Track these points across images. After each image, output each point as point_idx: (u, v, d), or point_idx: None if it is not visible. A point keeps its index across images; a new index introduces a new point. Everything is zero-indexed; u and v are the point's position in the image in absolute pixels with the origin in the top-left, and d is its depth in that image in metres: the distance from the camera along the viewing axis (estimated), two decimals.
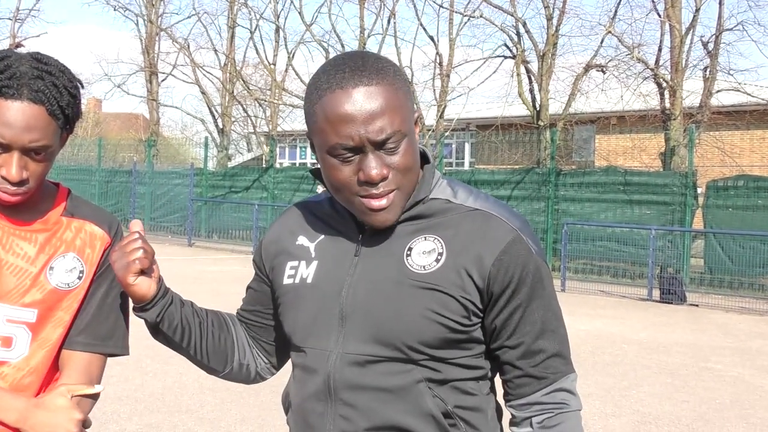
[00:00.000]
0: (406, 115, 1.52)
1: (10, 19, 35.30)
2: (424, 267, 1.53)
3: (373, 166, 1.49)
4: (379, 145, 1.48)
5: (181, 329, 1.70)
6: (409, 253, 1.56)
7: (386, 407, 1.53)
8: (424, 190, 1.59)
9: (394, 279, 1.54)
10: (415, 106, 1.60)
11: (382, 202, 1.52)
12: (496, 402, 1.65)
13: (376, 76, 1.49)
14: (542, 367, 1.56)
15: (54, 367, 1.81)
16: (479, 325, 1.56)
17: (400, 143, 1.50)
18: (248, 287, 1.85)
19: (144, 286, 1.62)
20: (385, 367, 1.53)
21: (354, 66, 1.50)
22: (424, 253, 1.55)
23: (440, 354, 1.53)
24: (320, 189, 12.83)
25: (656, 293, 14.06)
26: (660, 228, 15.31)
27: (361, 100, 1.47)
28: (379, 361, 1.53)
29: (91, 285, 1.82)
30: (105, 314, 1.83)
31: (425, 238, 1.56)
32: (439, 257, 1.54)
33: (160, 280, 1.67)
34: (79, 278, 1.80)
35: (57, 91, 1.68)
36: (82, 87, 1.79)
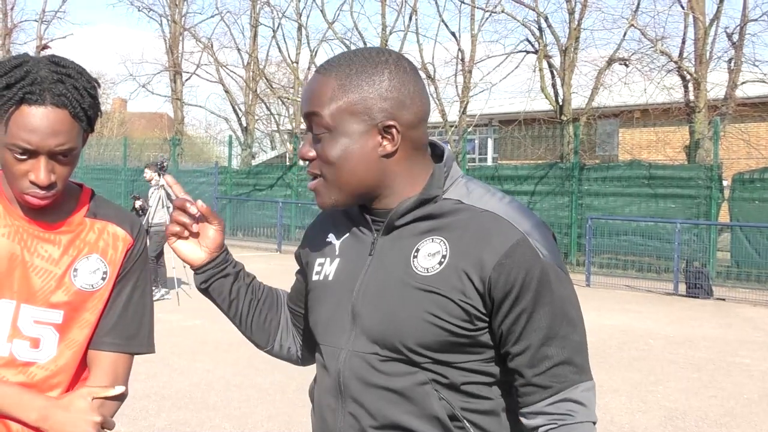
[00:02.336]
0: (341, 111, 1.55)
1: (36, 21, 35.68)
2: (427, 269, 1.53)
3: (304, 144, 1.62)
4: (308, 128, 1.60)
5: (228, 301, 1.82)
6: (416, 254, 1.56)
7: (392, 407, 1.54)
8: (435, 188, 1.58)
9: (400, 280, 1.55)
10: (392, 112, 1.55)
11: (312, 184, 1.62)
12: (512, 405, 1.60)
13: (330, 68, 1.58)
14: (548, 375, 1.50)
15: (81, 367, 1.85)
16: (486, 330, 1.53)
17: (323, 134, 1.56)
18: (296, 275, 1.89)
19: (184, 251, 1.78)
20: (391, 367, 1.54)
21: (334, 57, 1.63)
22: (429, 256, 1.54)
23: (443, 357, 1.52)
24: None
25: (682, 287, 13.95)
26: (685, 222, 15.18)
27: (309, 84, 1.61)
28: (385, 361, 1.54)
29: (115, 285, 1.85)
30: (130, 314, 1.87)
31: (432, 239, 1.55)
32: (442, 260, 1.52)
33: (219, 251, 1.80)
34: (103, 279, 1.83)
35: (78, 94, 1.70)
36: (99, 86, 1.81)
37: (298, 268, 1.87)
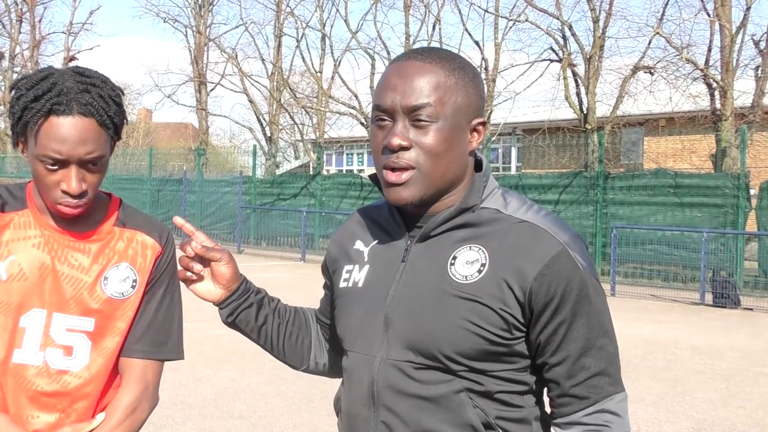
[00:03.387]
0: (450, 102, 1.53)
1: (64, 32, 36.16)
2: (465, 277, 1.53)
3: (396, 132, 1.52)
4: (408, 112, 1.51)
5: (257, 330, 1.82)
6: (453, 262, 1.55)
7: (426, 416, 1.53)
8: (474, 197, 1.58)
9: (436, 287, 1.54)
10: (481, 111, 1.60)
11: (400, 178, 1.53)
12: (544, 413, 1.62)
13: (435, 59, 1.54)
14: (585, 386, 1.51)
15: (113, 375, 1.87)
16: (523, 339, 1.53)
17: (432, 122, 1.52)
18: (323, 289, 1.90)
19: (200, 291, 1.79)
20: (426, 375, 1.53)
21: (424, 48, 1.58)
22: (468, 264, 1.53)
23: (480, 366, 1.51)
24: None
25: (709, 297, 13.81)
26: (712, 231, 15.04)
27: (409, 72, 1.52)
28: (420, 369, 1.53)
29: (145, 293, 1.87)
30: (160, 321, 1.89)
31: (470, 247, 1.55)
32: (481, 268, 1.52)
33: (236, 283, 1.79)
34: (133, 287, 1.85)
35: (104, 102, 1.73)
36: (123, 94, 1.83)
37: (322, 277, 1.87)
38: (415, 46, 23.85)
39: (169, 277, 1.92)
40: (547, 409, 1.62)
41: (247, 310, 1.80)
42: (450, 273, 1.54)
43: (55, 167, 1.71)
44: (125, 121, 1.82)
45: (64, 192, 1.73)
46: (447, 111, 1.52)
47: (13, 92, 1.74)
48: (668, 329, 11.11)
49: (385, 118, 1.53)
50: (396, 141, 1.51)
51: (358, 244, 1.72)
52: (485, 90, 1.61)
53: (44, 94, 1.69)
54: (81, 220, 1.83)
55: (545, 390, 1.60)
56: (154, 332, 1.88)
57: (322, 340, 1.90)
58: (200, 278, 1.79)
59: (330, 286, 1.82)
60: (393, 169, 1.53)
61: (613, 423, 1.52)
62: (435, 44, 24.35)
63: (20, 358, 1.77)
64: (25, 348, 1.78)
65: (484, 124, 1.59)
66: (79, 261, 1.82)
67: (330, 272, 1.81)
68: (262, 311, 1.82)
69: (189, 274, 1.80)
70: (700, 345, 9.93)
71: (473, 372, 1.52)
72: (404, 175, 1.53)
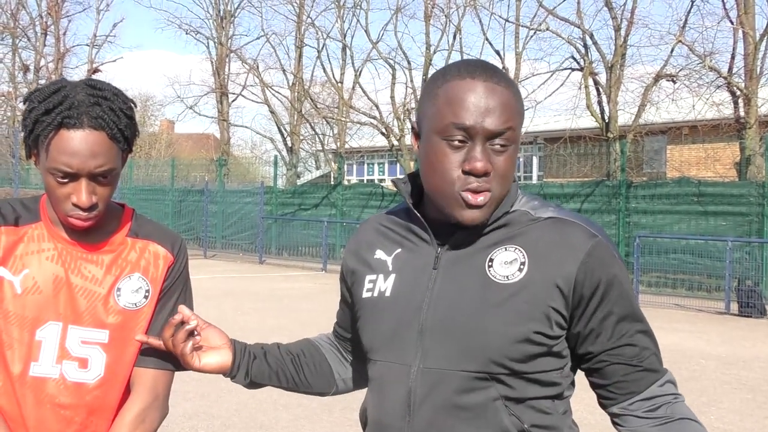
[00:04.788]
0: (519, 126, 1.56)
1: (88, 45, 36.56)
2: (506, 277, 1.53)
3: (480, 157, 1.50)
4: (490, 137, 1.50)
5: (276, 375, 1.83)
6: (490, 264, 1.55)
7: (463, 424, 1.52)
8: (508, 203, 1.60)
9: (477, 291, 1.53)
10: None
11: (479, 200, 1.52)
12: (572, 421, 1.62)
13: (505, 81, 1.55)
14: (649, 362, 1.57)
15: (129, 386, 1.87)
16: (563, 337, 1.54)
17: (508, 146, 1.53)
18: (340, 302, 1.88)
19: (212, 366, 1.79)
20: (465, 383, 1.52)
21: (486, 66, 1.56)
22: (506, 263, 1.54)
23: (521, 368, 1.51)
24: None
25: (734, 307, 13.67)
26: (737, 239, 14.90)
27: (488, 92, 1.51)
28: (460, 377, 1.52)
29: (157, 303, 1.87)
30: None
31: (506, 248, 1.55)
32: (522, 266, 1.53)
33: (228, 341, 1.81)
34: (146, 297, 1.85)
35: (115, 115, 1.73)
36: (136, 107, 1.84)
37: (342, 287, 1.85)
38: (436, 57, 23.81)
39: (181, 286, 1.92)
40: (575, 417, 1.62)
41: (257, 361, 1.81)
42: (489, 275, 1.54)
43: (66, 180, 1.71)
44: (137, 133, 1.82)
45: (75, 205, 1.73)
46: (517, 135, 1.55)
47: (25, 105, 1.75)
48: (693, 339, 11.00)
49: (462, 138, 1.52)
50: (481, 165, 1.50)
51: (379, 254, 1.70)
52: None
53: (55, 107, 1.69)
54: (93, 231, 1.83)
55: (591, 383, 1.62)
56: None
57: (340, 356, 1.89)
58: (199, 349, 1.78)
59: (350, 298, 1.79)
60: (475, 192, 1.53)
61: (680, 395, 1.59)
62: (456, 53, 24.38)
63: (38, 371, 1.78)
64: (42, 361, 1.78)
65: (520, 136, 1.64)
66: (92, 273, 1.82)
67: (349, 283, 1.79)
68: (270, 356, 1.83)
69: (191, 351, 1.77)
70: (726, 355, 9.82)
71: (513, 376, 1.51)
72: (481, 198, 1.53)
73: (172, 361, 1.87)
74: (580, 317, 1.53)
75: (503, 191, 1.55)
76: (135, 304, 1.84)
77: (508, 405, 1.52)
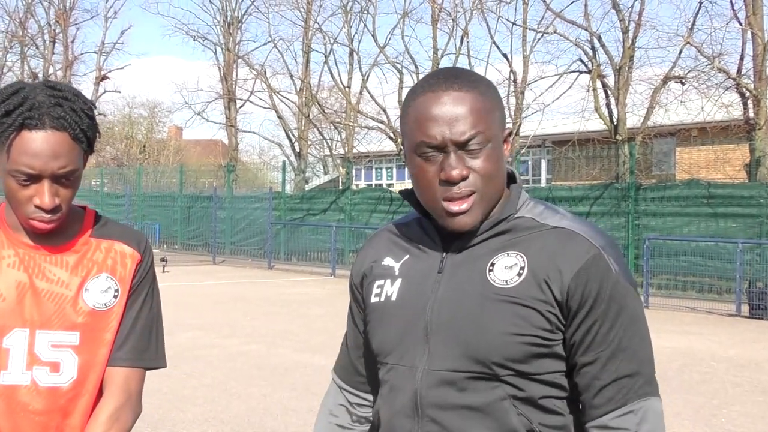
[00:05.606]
0: (493, 123, 1.57)
1: (96, 52, 36.73)
2: (506, 281, 1.55)
3: (454, 165, 1.53)
4: (461, 145, 1.53)
5: None
6: (491, 268, 1.57)
7: (472, 424, 1.54)
8: (510, 208, 1.61)
9: (477, 294, 1.55)
10: (507, 124, 1.64)
11: (462, 206, 1.55)
12: (579, 421, 1.61)
13: (468, 84, 1.56)
14: (614, 387, 1.51)
15: (102, 386, 1.85)
16: (561, 340, 1.55)
17: (483, 147, 1.54)
18: (353, 308, 1.84)
19: None
20: (470, 384, 1.54)
21: (448, 75, 1.59)
22: (507, 268, 1.56)
23: (525, 369, 1.52)
24: None
25: (745, 309, 13.61)
26: (747, 241, 14.83)
27: (450, 102, 1.54)
28: (464, 378, 1.54)
29: (127, 302, 1.86)
30: (140, 329, 1.87)
31: (507, 254, 1.58)
32: (521, 271, 1.55)
33: None
34: (115, 297, 1.84)
35: (76, 116, 1.71)
36: (95, 107, 1.82)
37: (350, 292, 1.83)
38: (443, 60, 23.86)
39: (148, 284, 1.91)
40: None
41: None
42: (489, 279, 1.56)
43: (28, 182, 1.69)
44: (98, 134, 1.80)
45: (38, 207, 1.71)
46: (492, 132, 1.56)
47: None
48: (704, 341, 10.95)
49: (432, 151, 1.55)
50: (456, 173, 1.53)
51: (387, 261, 1.72)
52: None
53: (15, 108, 1.67)
54: (56, 234, 1.81)
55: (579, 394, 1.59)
56: (135, 340, 1.86)
57: (357, 414, 1.84)
58: None
59: (361, 304, 1.79)
60: (454, 200, 1.55)
61: (642, 427, 1.51)
62: (463, 57, 24.37)
63: (8, 379, 1.76)
64: (12, 369, 1.76)
65: (511, 133, 1.64)
66: (57, 275, 1.80)
67: (357, 289, 1.79)
68: None
69: None
70: (737, 357, 9.77)
71: (518, 376, 1.53)
72: (465, 204, 1.55)
73: (144, 359, 1.87)
74: (569, 327, 1.54)
75: (491, 190, 1.57)
76: (105, 304, 1.82)
77: (516, 405, 1.53)
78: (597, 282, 1.52)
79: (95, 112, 1.82)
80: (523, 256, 1.56)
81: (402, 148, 1.73)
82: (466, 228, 1.57)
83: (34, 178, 1.69)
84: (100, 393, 1.84)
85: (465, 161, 1.54)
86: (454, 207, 1.55)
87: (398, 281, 1.67)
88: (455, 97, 1.54)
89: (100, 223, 1.91)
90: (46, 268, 1.80)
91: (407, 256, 1.69)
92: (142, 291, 1.89)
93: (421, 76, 25.92)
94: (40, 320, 1.78)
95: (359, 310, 1.81)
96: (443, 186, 1.55)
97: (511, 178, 1.67)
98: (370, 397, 1.82)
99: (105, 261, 1.85)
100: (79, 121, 1.72)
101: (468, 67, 23.17)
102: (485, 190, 1.56)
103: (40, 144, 1.67)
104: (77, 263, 1.83)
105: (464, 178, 1.54)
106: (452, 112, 1.53)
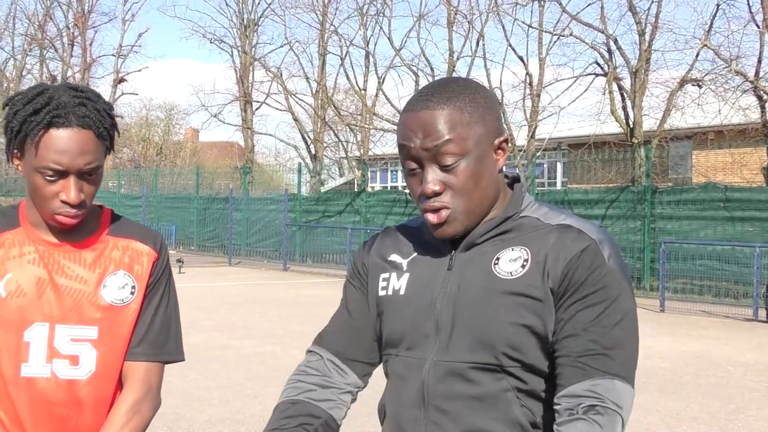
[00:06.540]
0: (469, 137, 1.59)
1: (113, 55, 36.98)
2: (510, 273, 1.59)
3: (428, 180, 1.61)
4: (435, 159, 1.60)
5: None
6: (496, 262, 1.62)
7: (476, 414, 1.57)
8: (513, 207, 1.67)
9: (483, 287, 1.60)
10: (501, 129, 1.66)
11: (442, 215, 1.62)
12: None
13: (444, 100, 1.60)
14: (586, 358, 1.50)
15: (121, 381, 1.91)
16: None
17: (457, 163, 1.59)
18: (342, 308, 1.85)
19: None
20: (476, 375, 1.57)
21: (426, 92, 1.64)
22: (511, 261, 1.61)
23: (529, 360, 1.56)
24: None
25: (762, 313, 13.51)
26: (764, 245, 14.72)
27: (423, 119, 1.60)
28: (471, 369, 1.58)
29: (144, 299, 1.92)
30: (158, 324, 1.93)
31: (512, 248, 1.63)
32: (524, 263, 1.59)
33: None
34: (132, 293, 1.90)
35: (99, 115, 1.79)
36: (113, 109, 1.90)
37: (352, 268, 1.85)
38: (459, 63, 23.78)
39: (165, 281, 1.97)
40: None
41: None
42: (494, 271, 1.61)
43: (55, 178, 1.76)
44: (117, 133, 1.88)
45: (64, 202, 1.77)
46: (469, 146, 1.60)
47: (7, 108, 1.80)
48: (720, 345, 10.89)
49: (415, 167, 1.62)
50: (429, 188, 1.60)
51: (394, 257, 1.76)
52: (500, 106, 1.64)
53: (43, 107, 1.75)
54: (74, 231, 1.88)
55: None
56: (154, 335, 1.92)
57: (337, 377, 1.81)
58: None
59: (363, 289, 1.80)
60: (428, 212, 1.63)
61: (609, 395, 1.48)
62: (479, 60, 24.34)
63: (29, 372, 1.82)
64: (32, 362, 1.82)
65: (506, 140, 1.66)
66: (76, 272, 1.87)
67: (362, 274, 1.81)
68: None
69: None
70: (754, 362, 9.71)
71: (523, 369, 1.56)
72: (443, 214, 1.62)
73: (163, 353, 1.93)
74: (558, 310, 1.56)
75: (468, 204, 1.62)
76: (122, 300, 1.89)
77: (519, 397, 1.56)
78: (587, 269, 1.55)
79: (114, 112, 1.89)
80: (527, 250, 1.61)
81: None
82: (449, 237, 1.65)
83: (60, 174, 1.76)
84: (117, 387, 1.90)
85: (439, 176, 1.60)
86: (432, 219, 1.63)
87: (406, 275, 1.71)
88: (430, 115, 1.59)
89: (116, 222, 1.97)
90: (65, 265, 1.87)
91: (415, 254, 1.73)
92: (159, 288, 1.95)
93: (437, 78, 25.76)
94: (59, 315, 1.84)
95: (361, 285, 1.81)
96: (422, 199, 1.63)
97: (515, 179, 1.73)
98: (354, 375, 1.80)
99: (122, 258, 1.92)
100: (102, 120, 1.80)
101: (484, 70, 23.22)
102: (463, 205, 1.61)
103: (67, 141, 1.74)
104: (95, 260, 1.89)
105: (437, 194, 1.61)
106: (425, 126, 1.59)
